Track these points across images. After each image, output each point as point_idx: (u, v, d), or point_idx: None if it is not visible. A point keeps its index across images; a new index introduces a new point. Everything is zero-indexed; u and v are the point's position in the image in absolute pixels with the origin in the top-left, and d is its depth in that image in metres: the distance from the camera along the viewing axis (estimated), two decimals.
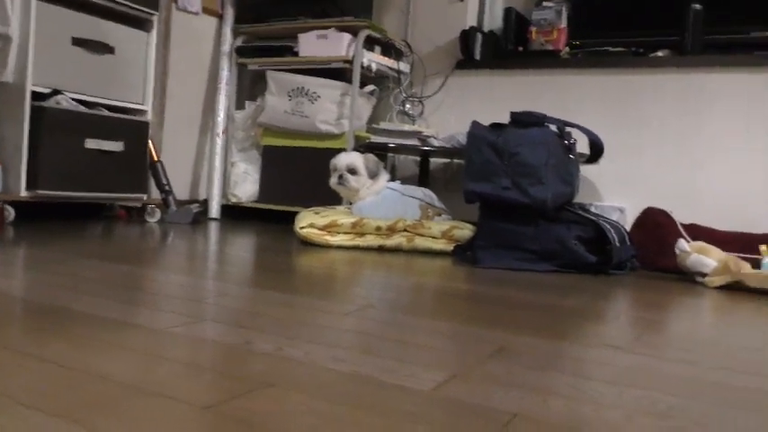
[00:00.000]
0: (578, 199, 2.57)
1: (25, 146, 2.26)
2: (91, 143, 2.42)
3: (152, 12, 2.62)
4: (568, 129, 2.10)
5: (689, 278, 1.94)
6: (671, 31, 2.70)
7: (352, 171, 2.34)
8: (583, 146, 2.50)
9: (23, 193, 2.27)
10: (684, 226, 2.17)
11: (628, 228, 2.29)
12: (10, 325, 0.87)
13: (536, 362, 0.87)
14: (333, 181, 2.36)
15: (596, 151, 2.37)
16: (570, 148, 2.05)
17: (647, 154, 2.73)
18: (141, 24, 2.65)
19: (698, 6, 2.59)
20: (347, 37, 2.89)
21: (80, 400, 0.61)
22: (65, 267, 1.37)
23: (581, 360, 0.91)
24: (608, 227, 1.97)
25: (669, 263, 2.02)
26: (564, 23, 2.86)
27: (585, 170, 2.80)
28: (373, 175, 2.36)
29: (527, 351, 0.93)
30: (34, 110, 2.27)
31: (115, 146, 2.50)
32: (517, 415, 0.66)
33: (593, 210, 2.50)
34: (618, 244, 1.95)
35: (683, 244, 1.90)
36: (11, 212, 2.22)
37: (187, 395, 0.65)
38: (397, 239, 2.19)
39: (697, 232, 2.15)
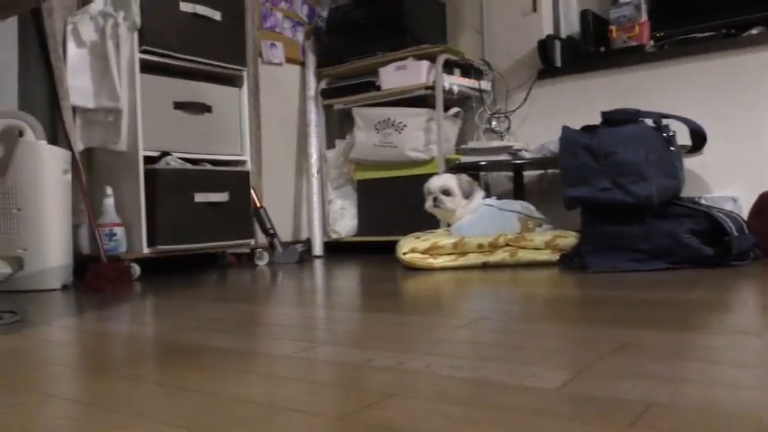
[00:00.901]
0: (685, 193, 2.45)
1: (143, 206, 2.43)
2: (200, 197, 2.57)
3: (241, 68, 2.77)
4: (666, 121, 2.03)
5: None
6: (762, 6, 2.56)
7: (447, 192, 2.36)
8: (684, 137, 2.39)
9: (146, 250, 2.43)
10: None
11: (744, 217, 2.16)
12: (153, 363, 0.94)
13: (662, 353, 0.85)
14: (428, 204, 2.39)
15: (699, 140, 2.27)
16: (670, 140, 1.98)
17: (757, 138, 2.58)
18: (233, 81, 2.80)
19: None
20: (426, 64, 2.94)
21: (223, 421, 0.65)
22: (191, 312, 1.46)
23: (710, 348, 0.87)
24: (723, 217, 1.87)
25: None
26: (644, 17, 2.78)
27: (690, 162, 2.67)
28: (468, 195, 2.36)
29: (652, 344, 0.90)
30: (147, 173, 2.44)
31: (221, 197, 2.64)
32: (652, 404, 0.64)
33: (702, 202, 2.38)
34: (736, 233, 1.85)
35: None
36: (136, 269, 2.38)
37: (320, 408, 0.67)
38: (500, 255, 2.17)
39: None
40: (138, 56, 2.42)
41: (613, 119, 2.01)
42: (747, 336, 0.94)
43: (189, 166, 2.55)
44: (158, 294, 1.84)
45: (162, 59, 2.49)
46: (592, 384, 0.72)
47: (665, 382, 0.71)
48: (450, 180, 2.37)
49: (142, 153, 2.44)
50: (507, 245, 2.20)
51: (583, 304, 1.32)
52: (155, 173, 2.44)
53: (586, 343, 0.94)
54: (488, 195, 2.53)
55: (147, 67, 2.48)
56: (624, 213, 1.91)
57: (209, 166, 2.64)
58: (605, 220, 1.94)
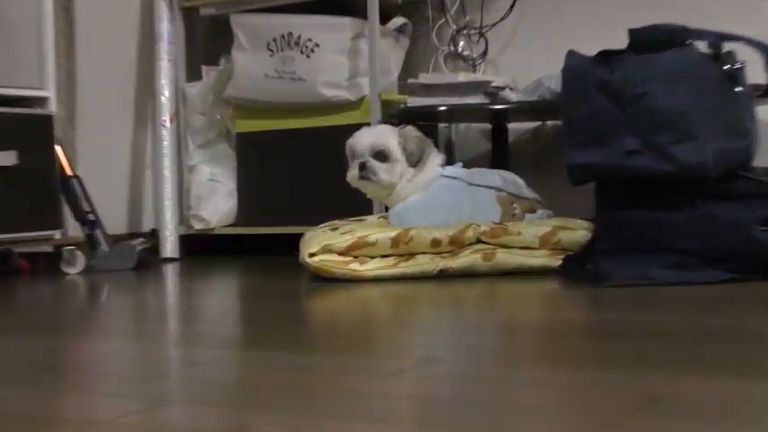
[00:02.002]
0: (759, 161, 2.51)
1: None
2: None
3: None
4: (729, 45, 2.07)
5: None
6: None
7: (382, 156, 2.34)
8: (758, 72, 2.45)
9: None
10: None
11: None
12: None
13: (711, 413, 0.86)
14: (352, 174, 2.37)
15: None
16: (735, 77, 2.02)
17: None
18: None
19: None
20: None
21: None
22: None
23: None
24: None
25: None
26: None
27: (766, 111, 2.74)
28: (416, 160, 2.36)
29: (693, 398, 0.92)
30: None
31: (3, 158, 2.57)
32: None
33: None
34: None
35: None
36: None
37: None
38: (467, 257, 2.18)
39: None
40: None
41: (647, 41, 2.04)
42: None
43: None
44: None
45: None
46: None
47: None
48: (388, 136, 2.36)
49: None
50: (480, 241, 2.20)
51: (593, 335, 1.33)
52: None
53: (599, 397, 0.95)
54: (450, 162, 2.53)
55: None
56: (661, 192, 1.95)
57: None
58: (632, 202, 1.96)
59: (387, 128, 2.43)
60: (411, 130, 2.41)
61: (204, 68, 3.28)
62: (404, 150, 2.35)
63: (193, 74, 3.33)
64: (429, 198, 2.34)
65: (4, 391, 1.10)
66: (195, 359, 1.26)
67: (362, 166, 2.35)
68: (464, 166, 2.47)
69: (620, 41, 2.38)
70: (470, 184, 2.36)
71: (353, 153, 2.39)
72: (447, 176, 2.38)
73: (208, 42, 3.43)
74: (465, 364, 1.16)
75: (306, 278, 2.27)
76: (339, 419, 0.90)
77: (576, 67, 2.04)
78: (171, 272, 2.72)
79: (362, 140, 2.38)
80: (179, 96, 3.26)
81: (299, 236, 2.41)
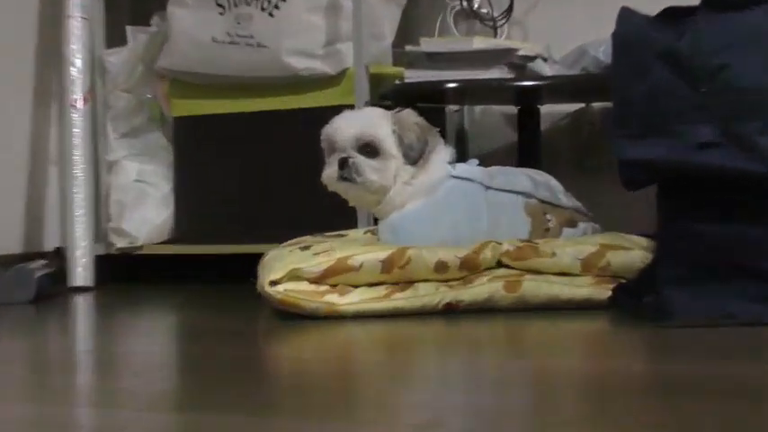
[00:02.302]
0: None
1: None
2: None
3: None
4: None
5: None
6: None
7: (370, 149, 2.33)
8: None
9: None
10: None
11: None
12: None
13: None
14: (329, 174, 2.35)
15: None
16: None
17: None
18: None
19: None
20: None
21: None
22: None
23: None
24: None
25: None
26: None
27: None
28: (418, 156, 2.36)
29: None
30: None
31: None
32: None
33: None
34: None
35: None
36: None
37: None
38: (484, 286, 2.18)
39: None
40: None
41: None
42: None
43: None
44: None
45: None
46: None
47: None
48: (378, 123, 2.35)
49: None
50: (501, 265, 2.21)
51: (655, 395, 1.33)
52: None
53: None
54: (462, 159, 2.54)
55: None
56: (746, 198, 1.95)
57: None
58: (706, 212, 1.97)
59: (377, 112, 2.42)
60: (410, 115, 2.40)
61: (130, 30, 3.29)
62: (400, 142, 2.34)
63: (115, 37, 3.33)
64: (433, 206, 2.34)
65: None
66: (116, 425, 1.25)
67: (343, 163, 2.33)
68: (480, 164, 2.47)
69: None
70: (488, 187, 2.36)
71: (332, 145, 2.38)
72: (458, 177, 2.38)
73: None
74: (479, 430, 1.16)
75: (266, 314, 2.27)
76: None
77: (631, 30, 2.05)
78: (83, 305, 2.72)
79: (344, 129, 2.37)
80: (95, 67, 3.26)
81: (258, 257, 2.41)
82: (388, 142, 2.34)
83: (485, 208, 2.33)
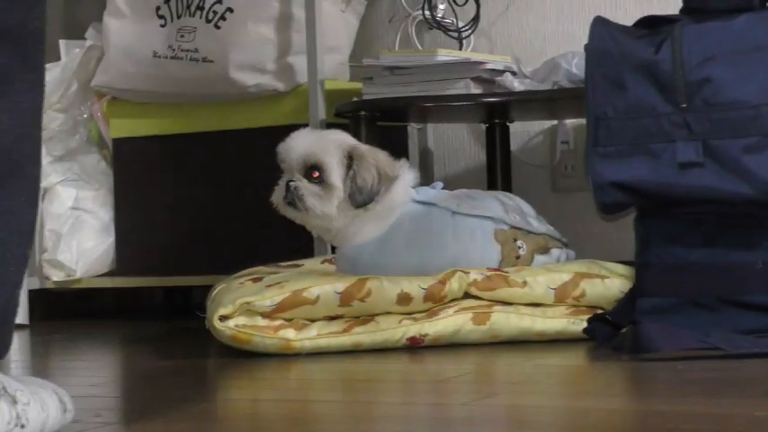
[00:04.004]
0: None
1: None
2: None
3: None
4: None
5: None
6: None
7: (316, 173, 2.29)
8: None
9: None
10: None
11: None
12: None
13: None
14: (276, 197, 2.30)
15: None
16: None
17: None
18: None
19: None
20: None
21: None
22: None
23: None
24: None
25: None
26: None
27: None
28: (365, 202, 2.28)
29: None
30: None
31: None
32: None
33: None
34: None
35: None
36: None
37: None
38: (450, 319, 2.17)
39: None
40: None
41: (709, 2, 2.05)
42: None
43: None
44: None
45: None
46: None
47: None
48: (326, 145, 2.26)
49: None
50: (469, 296, 2.21)
51: None
52: None
53: None
54: (426, 182, 2.53)
55: None
56: (731, 221, 1.96)
57: None
58: (688, 237, 1.97)
59: (334, 136, 2.37)
60: (373, 153, 2.31)
61: (63, 44, 3.26)
62: (351, 180, 2.29)
63: (47, 52, 3.30)
64: (393, 233, 2.32)
65: None
66: None
67: (288, 186, 2.30)
68: (445, 187, 2.46)
69: (671, 4, 2.40)
70: (455, 212, 2.34)
71: (282, 165, 2.36)
72: (421, 202, 2.37)
73: (68, 5, 3.42)
74: None
75: (216, 351, 2.26)
76: None
77: (606, 42, 2.05)
78: (16, 344, 2.69)
79: (293, 148, 2.33)
80: None
81: (207, 289, 2.40)
82: (335, 173, 2.28)
83: (451, 235, 2.31)
